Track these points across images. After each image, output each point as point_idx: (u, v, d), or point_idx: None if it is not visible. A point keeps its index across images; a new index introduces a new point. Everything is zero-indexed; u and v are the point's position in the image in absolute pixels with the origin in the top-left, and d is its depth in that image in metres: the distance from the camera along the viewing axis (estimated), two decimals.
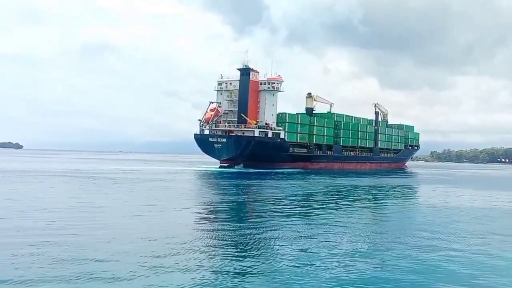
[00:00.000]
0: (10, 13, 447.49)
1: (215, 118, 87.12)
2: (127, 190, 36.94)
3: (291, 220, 23.07)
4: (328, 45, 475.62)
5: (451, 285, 12.38)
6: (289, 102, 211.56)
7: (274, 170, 78.72)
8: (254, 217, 24.87)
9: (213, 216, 25.28)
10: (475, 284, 12.66)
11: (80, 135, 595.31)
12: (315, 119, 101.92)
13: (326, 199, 36.18)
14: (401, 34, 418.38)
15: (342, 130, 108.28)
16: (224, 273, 12.75)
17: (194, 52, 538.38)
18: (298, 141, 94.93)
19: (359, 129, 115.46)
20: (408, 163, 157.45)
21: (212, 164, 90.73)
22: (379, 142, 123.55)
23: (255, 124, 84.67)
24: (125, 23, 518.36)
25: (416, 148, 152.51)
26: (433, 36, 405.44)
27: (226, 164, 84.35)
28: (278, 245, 16.67)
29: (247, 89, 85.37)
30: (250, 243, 16.81)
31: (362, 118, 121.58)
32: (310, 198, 36.77)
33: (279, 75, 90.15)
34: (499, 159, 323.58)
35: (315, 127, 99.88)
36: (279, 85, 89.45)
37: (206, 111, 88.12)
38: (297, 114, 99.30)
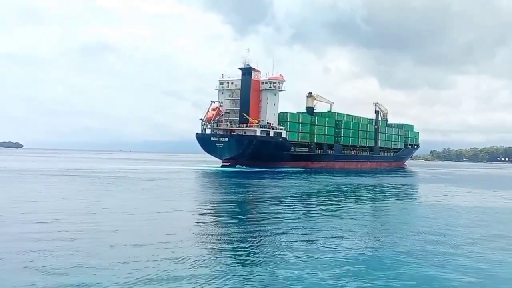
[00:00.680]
0: (10, 13, 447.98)
1: (217, 117, 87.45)
2: (128, 190, 36.63)
3: (292, 220, 22.92)
4: (328, 45, 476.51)
5: (450, 285, 12.48)
6: (289, 101, 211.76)
7: (275, 170, 79.06)
8: (255, 216, 24.85)
9: (214, 215, 25.28)
10: (474, 283, 12.71)
11: (80, 134, 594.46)
12: (316, 118, 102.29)
13: (327, 198, 36.33)
14: (401, 34, 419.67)
15: (342, 130, 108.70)
16: (225, 272, 12.77)
17: (194, 51, 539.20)
18: (299, 140, 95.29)
19: (360, 128, 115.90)
20: (408, 162, 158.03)
21: (213, 163, 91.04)
22: (379, 141, 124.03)
23: (257, 123, 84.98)
24: (125, 23, 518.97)
25: (415, 147, 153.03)
26: (433, 35, 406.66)
27: (227, 164, 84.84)
28: (279, 244, 16.70)
29: (249, 89, 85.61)
30: (251, 243, 16.89)
31: (363, 118, 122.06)
32: (312, 197, 36.88)
33: (280, 75, 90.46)
34: (498, 158, 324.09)
35: (316, 126, 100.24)
36: (281, 84, 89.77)
37: (208, 111, 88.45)
38: (298, 113, 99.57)
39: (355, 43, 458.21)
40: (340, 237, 18.58)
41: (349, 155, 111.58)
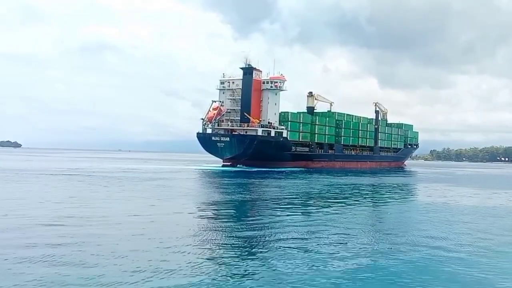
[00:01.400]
0: (10, 13, 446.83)
1: (218, 117, 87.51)
2: (129, 190, 36.43)
3: (292, 220, 23.00)
4: (328, 44, 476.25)
5: (451, 284, 12.53)
6: (289, 101, 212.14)
7: (276, 169, 79.19)
8: (256, 216, 24.78)
9: (215, 215, 25.25)
10: (474, 283, 12.75)
11: (80, 133, 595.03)
12: (317, 118, 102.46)
13: (328, 198, 36.38)
14: (401, 33, 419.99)
15: (343, 129, 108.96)
16: (225, 272, 12.79)
17: (193, 51, 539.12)
18: (300, 140, 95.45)
19: (360, 128, 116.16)
20: (407, 162, 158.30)
21: (214, 163, 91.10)
22: (379, 141, 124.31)
23: (258, 123, 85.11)
24: (125, 22, 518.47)
25: (415, 146, 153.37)
26: (434, 35, 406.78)
27: (228, 163, 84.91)
28: (280, 244, 16.71)
29: (250, 88, 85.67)
30: (252, 242, 16.92)
31: (363, 117, 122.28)
32: (312, 197, 36.89)
33: (281, 74, 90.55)
34: (498, 158, 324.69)
35: (316, 126, 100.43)
36: (282, 84, 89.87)
37: (209, 110, 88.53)
38: (299, 113, 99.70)
39: (356, 42, 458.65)
40: (340, 236, 18.61)
41: (349, 155, 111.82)
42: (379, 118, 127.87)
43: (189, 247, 15.63)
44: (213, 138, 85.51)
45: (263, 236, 18.25)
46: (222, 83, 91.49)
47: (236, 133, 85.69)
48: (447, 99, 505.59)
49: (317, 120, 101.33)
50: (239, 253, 15.29)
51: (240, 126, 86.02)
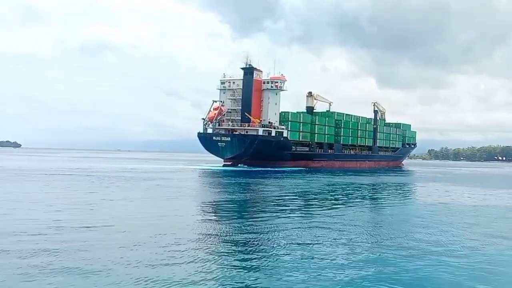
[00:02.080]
0: (10, 13, 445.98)
1: (219, 116, 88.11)
2: (129, 190, 36.33)
3: (293, 219, 23.23)
4: (327, 44, 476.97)
5: (450, 283, 12.69)
6: (288, 101, 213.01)
7: (277, 169, 79.90)
8: (256, 216, 24.79)
9: (215, 215, 25.31)
10: (474, 283, 12.80)
11: (79, 133, 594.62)
12: (317, 118, 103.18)
13: (328, 198, 36.65)
14: (401, 33, 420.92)
15: (342, 129, 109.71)
16: (226, 272, 12.84)
17: (193, 51, 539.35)
18: (300, 139, 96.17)
19: (359, 128, 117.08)
20: (405, 162, 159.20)
21: (215, 162, 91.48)
22: (377, 140, 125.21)
23: (259, 123, 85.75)
24: (125, 22, 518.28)
25: (413, 146, 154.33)
26: (432, 35, 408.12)
27: (229, 163, 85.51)
28: (280, 243, 16.74)
29: (251, 88, 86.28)
30: (252, 242, 16.94)
31: (361, 117, 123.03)
32: (312, 197, 37.11)
33: (282, 74, 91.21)
34: (496, 157, 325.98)
35: (316, 125, 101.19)
36: (282, 84, 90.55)
37: (210, 110, 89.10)
38: (299, 113, 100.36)
39: (356, 42, 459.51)
40: (340, 236, 18.72)
41: (349, 155, 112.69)
42: (378, 118, 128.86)
43: (189, 247, 15.68)
44: (214, 138, 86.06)
45: (263, 235, 18.29)
46: (222, 83, 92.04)
47: (237, 133, 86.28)
48: (445, 99, 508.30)
49: (316, 120, 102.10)
50: (240, 253, 15.37)
51: (241, 126, 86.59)
